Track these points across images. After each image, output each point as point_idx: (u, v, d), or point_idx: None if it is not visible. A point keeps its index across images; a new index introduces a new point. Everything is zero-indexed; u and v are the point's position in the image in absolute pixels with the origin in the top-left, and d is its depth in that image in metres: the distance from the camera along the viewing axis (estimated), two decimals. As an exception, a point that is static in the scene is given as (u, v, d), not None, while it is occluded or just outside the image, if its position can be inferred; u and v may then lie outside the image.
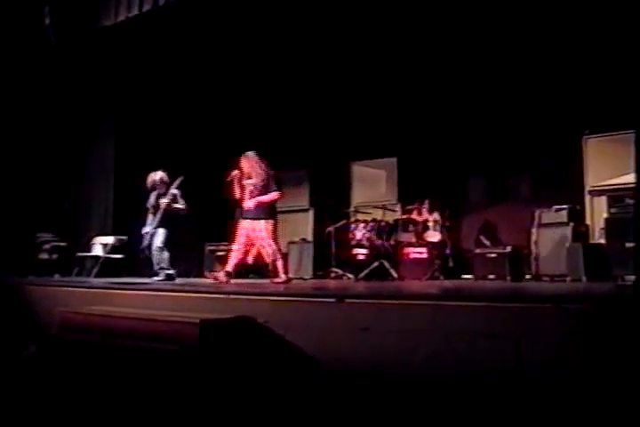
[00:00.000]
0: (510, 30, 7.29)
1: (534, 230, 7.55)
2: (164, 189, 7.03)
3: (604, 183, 7.38)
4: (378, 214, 8.53)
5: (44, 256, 8.73)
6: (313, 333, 3.65)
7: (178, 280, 6.95)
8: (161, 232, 6.87)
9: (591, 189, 7.60)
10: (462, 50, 7.81)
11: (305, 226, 9.96)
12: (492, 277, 7.47)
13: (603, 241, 6.74)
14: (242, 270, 7.20)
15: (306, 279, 8.54)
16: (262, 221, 6.46)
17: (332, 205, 9.88)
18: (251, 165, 6.59)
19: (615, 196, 6.70)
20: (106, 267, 8.34)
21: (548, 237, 7.39)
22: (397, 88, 8.71)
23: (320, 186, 10.06)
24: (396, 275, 7.73)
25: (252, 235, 6.49)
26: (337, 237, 8.78)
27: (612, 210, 6.52)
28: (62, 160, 9.12)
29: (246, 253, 6.61)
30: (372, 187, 9.75)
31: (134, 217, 7.45)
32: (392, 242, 8.44)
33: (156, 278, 6.77)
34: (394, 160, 9.46)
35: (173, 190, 6.98)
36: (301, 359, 3.39)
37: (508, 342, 3.05)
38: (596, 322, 2.96)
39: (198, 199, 8.06)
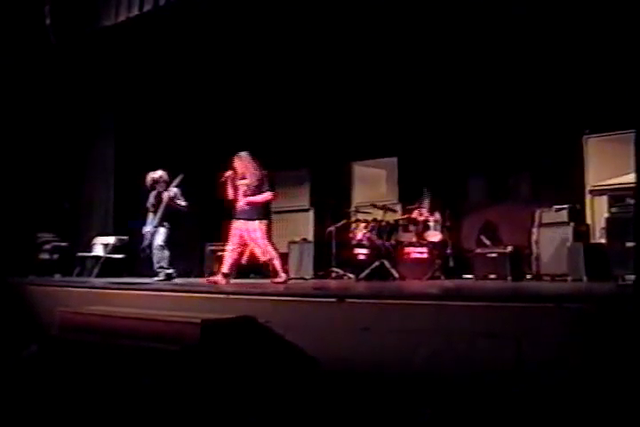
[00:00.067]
0: (511, 30, 7.28)
1: (535, 230, 7.54)
2: (163, 188, 7.04)
3: (605, 183, 7.36)
4: (378, 214, 8.52)
5: (45, 256, 8.73)
6: (313, 333, 3.65)
7: (178, 280, 6.96)
8: (162, 231, 6.89)
9: (592, 188, 7.58)
10: (463, 50, 7.81)
11: (306, 226, 9.96)
12: (492, 276, 7.45)
13: (603, 241, 6.73)
14: (241, 270, 7.21)
15: (306, 279, 8.54)
16: (256, 222, 6.48)
17: (332, 204, 9.88)
18: (244, 166, 6.60)
19: (616, 195, 6.68)
20: (106, 267, 8.35)
21: (549, 236, 7.38)
22: (398, 88, 8.70)
23: (321, 186, 10.06)
24: (396, 275, 7.72)
25: (246, 235, 6.50)
26: (338, 236, 8.78)
27: (613, 210, 6.50)
28: (62, 160, 9.11)
29: (241, 253, 6.62)
30: (373, 187, 9.75)
31: (135, 217, 7.46)
32: (393, 242, 8.42)
33: (155, 278, 6.78)
34: (394, 160, 9.46)
35: (173, 188, 7.00)
36: (302, 359, 3.39)
37: (509, 341, 3.05)
38: (597, 322, 2.96)
39: (199, 199, 8.07)
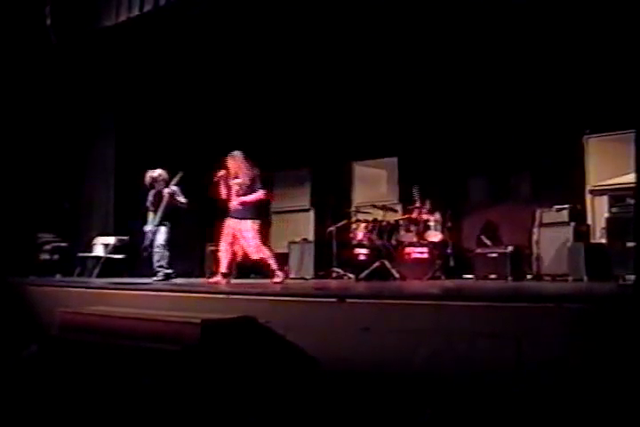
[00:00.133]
0: (511, 30, 7.29)
1: (535, 230, 7.54)
2: (162, 186, 7.04)
3: (605, 183, 7.36)
4: (379, 214, 8.52)
5: (45, 257, 8.73)
6: (314, 333, 3.65)
7: (178, 280, 6.96)
8: (163, 230, 6.89)
9: (592, 188, 7.58)
10: (463, 50, 7.81)
11: (306, 226, 9.97)
12: (493, 276, 7.45)
13: (604, 241, 6.73)
14: (241, 270, 7.21)
15: (307, 279, 8.54)
16: (249, 221, 6.49)
17: (333, 204, 9.88)
18: (237, 165, 6.61)
19: (616, 195, 6.68)
20: (107, 267, 8.34)
21: (549, 236, 7.38)
22: (399, 88, 8.70)
23: (321, 186, 10.07)
24: (397, 275, 7.72)
25: (238, 234, 6.51)
26: (338, 236, 8.78)
27: (613, 209, 6.50)
28: (62, 160, 9.11)
29: (235, 251, 6.62)
30: (374, 187, 9.75)
31: (135, 217, 7.46)
32: (393, 242, 8.43)
33: (154, 278, 6.78)
34: (395, 160, 9.46)
35: (172, 186, 6.99)
36: (302, 359, 3.38)
37: (509, 341, 3.05)
38: (597, 322, 2.95)
39: (199, 199, 8.06)
